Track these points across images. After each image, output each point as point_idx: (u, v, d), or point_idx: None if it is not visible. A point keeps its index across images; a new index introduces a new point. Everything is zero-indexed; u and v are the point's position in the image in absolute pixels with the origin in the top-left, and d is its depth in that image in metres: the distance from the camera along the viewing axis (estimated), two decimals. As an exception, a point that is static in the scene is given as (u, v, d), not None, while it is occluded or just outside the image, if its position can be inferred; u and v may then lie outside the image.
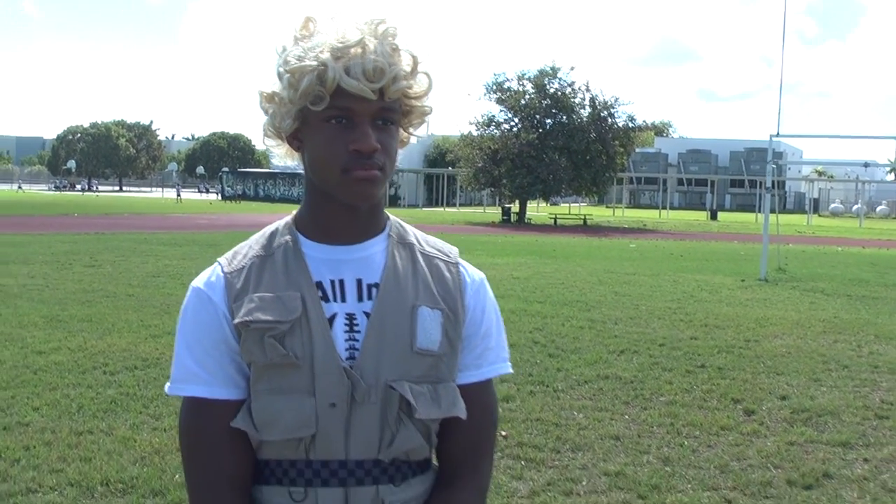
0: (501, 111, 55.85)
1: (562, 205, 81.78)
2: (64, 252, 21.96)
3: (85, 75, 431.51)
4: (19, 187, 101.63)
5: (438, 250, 1.78)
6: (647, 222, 58.26)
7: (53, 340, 10.23)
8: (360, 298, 1.65)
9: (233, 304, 1.63)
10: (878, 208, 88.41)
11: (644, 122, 60.84)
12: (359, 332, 1.63)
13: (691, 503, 5.59)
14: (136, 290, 15.21)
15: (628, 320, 13.35)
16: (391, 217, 1.77)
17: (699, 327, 12.90)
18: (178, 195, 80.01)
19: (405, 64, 1.59)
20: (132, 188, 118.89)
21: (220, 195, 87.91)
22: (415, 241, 1.76)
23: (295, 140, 1.66)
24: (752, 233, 43.77)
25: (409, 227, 1.80)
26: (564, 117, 54.82)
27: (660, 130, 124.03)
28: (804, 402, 8.42)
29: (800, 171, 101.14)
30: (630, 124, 56.10)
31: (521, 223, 53.48)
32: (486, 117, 55.94)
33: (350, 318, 1.63)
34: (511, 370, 1.86)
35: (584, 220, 55.17)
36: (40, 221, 36.66)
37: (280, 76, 1.59)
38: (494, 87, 55.59)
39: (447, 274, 1.74)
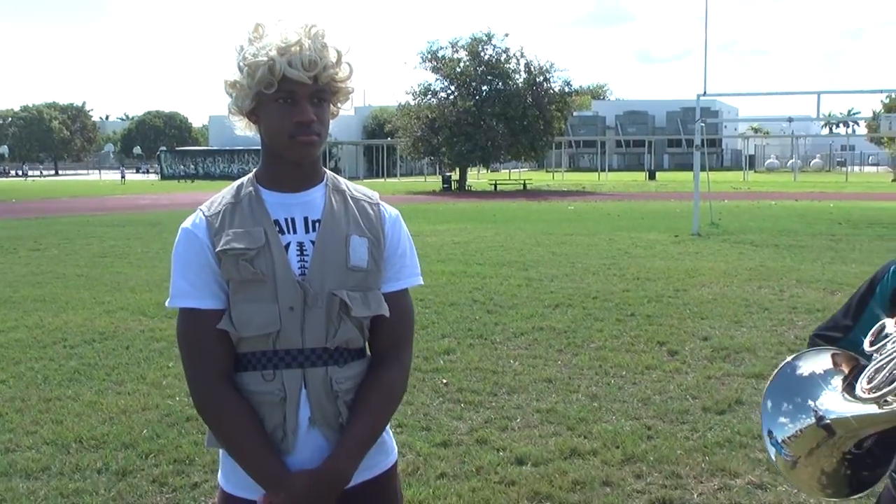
0: (437, 80, 56.25)
1: (502, 171, 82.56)
2: (7, 237, 22.05)
3: (11, 57, 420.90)
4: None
5: (363, 194, 2.33)
6: (587, 185, 59.19)
7: (10, 320, 10.57)
8: (307, 231, 2.19)
9: (213, 238, 2.16)
10: (812, 162, 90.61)
11: (580, 86, 61.65)
12: (307, 255, 2.17)
13: (615, 430, 6.20)
14: (84, 270, 15.50)
15: (564, 277, 14.01)
16: (328, 171, 2.30)
17: (631, 280, 13.59)
18: (123, 176, 79.12)
19: (332, 57, 2.13)
20: (68, 171, 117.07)
21: (161, 175, 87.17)
22: (346, 189, 2.31)
23: (252, 115, 2.19)
24: (689, 191, 44.65)
25: (341, 179, 2.33)
26: (500, 84, 55.40)
27: (596, 94, 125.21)
28: (724, 341, 9.11)
29: (736, 129, 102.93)
30: (566, 89, 56.96)
31: (462, 190, 54.08)
32: (422, 86, 56.32)
33: (300, 245, 2.17)
34: (422, 282, 2.40)
35: (524, 184, 55.91)
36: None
37: (240, 69, 2.12)
38: (429, 56, 55.93)
39: (370, 211, 2.28)
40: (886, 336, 2.07)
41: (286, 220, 2.20)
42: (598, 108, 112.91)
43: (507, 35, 70.69)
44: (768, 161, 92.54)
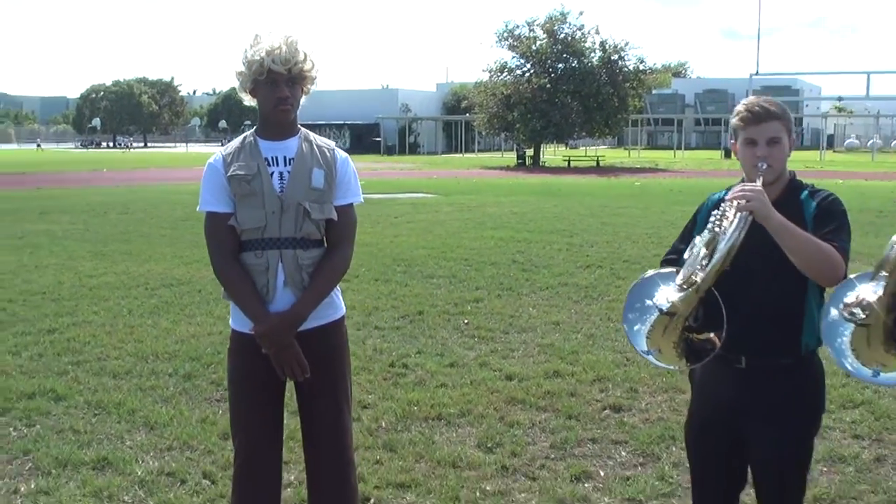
0: (514, 58, 57.17)
1: (580, 148, 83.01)
2: (98, 203, 23.86)
3: (105, 33, 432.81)
4: (38, 146, 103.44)
5: (324, 143, 3.54)
6: (661, 162, 59.39)
7: (101, 268, 12.11)
8: (285, 164, 3.42)
9: (226, 168, 3.39)
10: (894, 143, 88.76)
11: (654, 64, 61.77)
12: (285, 180, 3.40)
13: (596, 360, 7.33)
14: (167, 231, 17.09)
15: (604, 243, 15.06)
16: (302, 128, 3.52)
17: (666, 247, 14.53)
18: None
19: (301, 56, 3.35)
20: (156, 144, 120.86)
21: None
22: (312, 139, 3.53)
23: (252, 93, 3.42)
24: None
25: (310, 133, 3.54)
26: (575, 62, 56.04)
27: (677, 71, 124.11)
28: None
29: (818, 108, 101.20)
30: (640, 67, 57.30)
31: (536, 166, 54.96)
32: (498, 64, 57.32)
33: (281, 174, 3.40)
34: (361, 200, 3.59)
35: (598, 161, 56.49)
36: (73, 177, 38.56)
37: (243, 64, 3.35)
38: (506, 35, 56.81)
39: (328, 154, 3.50)
40: (693, 246, 3.20)
41: (272, 157, 3.44)
42: (677, 85, 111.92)
43: (581, 13, 71.04)
44: (848, 140, 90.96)
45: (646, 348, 3.08)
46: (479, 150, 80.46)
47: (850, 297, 2.76)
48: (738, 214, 2.95)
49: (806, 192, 3.16)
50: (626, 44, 56.21)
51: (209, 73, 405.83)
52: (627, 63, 56.33)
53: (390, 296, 10.20)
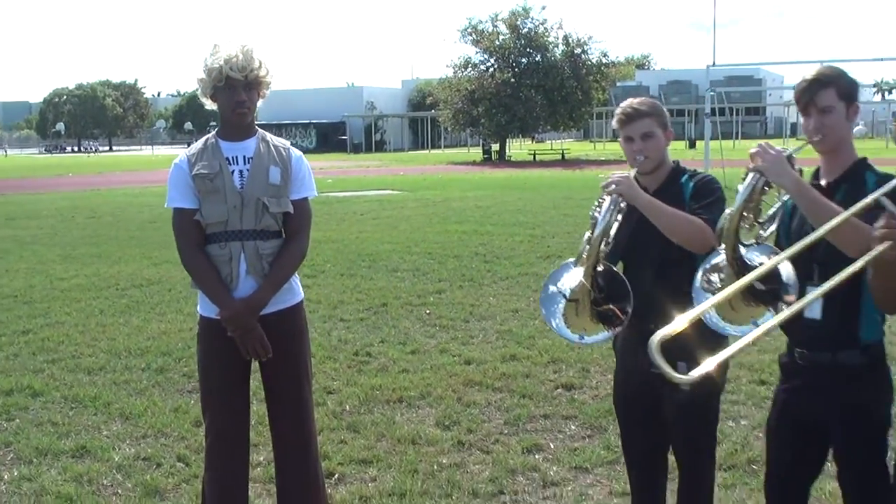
0: (477, 53, 57.60)
1: (546, 141, 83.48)
2: (66, 207, 23.96)
3: (66, 36, 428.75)
4: (5, 153, 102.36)
5: (280, 143, 3.86)
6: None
7: (71, 271, 12.34)
8: (245, 163, 3.73)
9: (191, 167, 3.70)
10: (856, 129, 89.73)
11: (617, 57, 62.49)
12: (245, 177, 3.71)
13: (552, 344, 7.65)
14: (135, 233, 17.28)
15: (564, 234, 15.45)
16: (259, 129, 3.83)
17: (625, 237, 14.96)
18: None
19: (256, 64, 3.66)
20: (121, 147, 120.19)
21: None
22: (270, 139, 3.84)
23: (212, 98, 3.73)
24: (727, 159, 45.62)
25: (267, 134, 3.86)
26: (538, 56, 56.59)
27: (641, 63, 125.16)
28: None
29: (781, 97, 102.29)
30: (603, 60, 57.91)
31: (502, 160, 55.39)
32: (462, 59, 57.69)
33: (241, 172, 3.72)
34: (315, 194, 3.91)
35: (563, 154, 56.98)
36: (39, 183, 38.46)
37: (204, 71, 3.66)
38: (469, 30, 57.21)
39: (283, 152, 3.82)
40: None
41: (233, 157, 3.75)
42: (641, 77, 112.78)
43: (544, 7, 71.61)
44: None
45: (575, 336, 3.45)
46: (446, 146, 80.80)
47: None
48: (609, 198, 3.35)
49: (686, 176, 3.52)
50: (590, 38, 56.90)
51: (173, 75, 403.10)
52: (591, 57, 56.99)
53: (355, 289, 10.51)
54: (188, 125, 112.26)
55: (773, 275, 2.87)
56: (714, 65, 23.78)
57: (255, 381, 3.99)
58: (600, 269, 3.39)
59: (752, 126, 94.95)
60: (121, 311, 9.51)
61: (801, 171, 3.05)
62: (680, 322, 2.46)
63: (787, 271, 2.92)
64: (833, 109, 3.04)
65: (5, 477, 5.08)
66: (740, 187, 2.98)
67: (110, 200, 26.22)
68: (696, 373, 2.40)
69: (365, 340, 8.03)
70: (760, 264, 2.89)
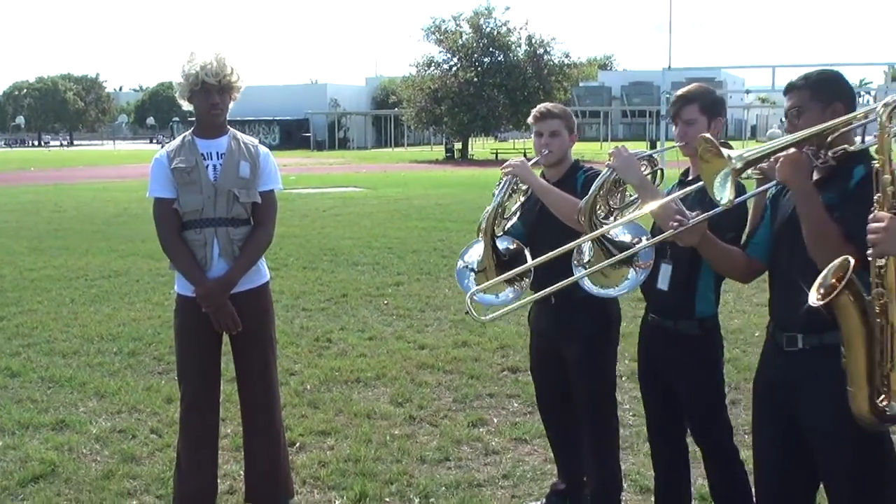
0: (441, 52, 58.07)
1: (509, 140, 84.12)
2: (29, 201, 24.11)
3: (26, 28, 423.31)
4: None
5: (249, 140, 4.34)
6: (587, 154, 60.52)
7: (40, 262, 12.67)
8: (218, 158, 4.21)
9: (170, 161, 4.17)
10: (769, 132, 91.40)
11: (579, 58, 63.32)
12: (218, 171, 4.19)
13: (503, 332, 8.18)
14: (102, 227, 17.57)
15: (520, 231, 15.95)
16: (231, 129, 4.30)
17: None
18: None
19: (228, 70, 4.13)
20: (83, 142, 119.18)
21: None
22: (240, 137, 4.32)
23: (190, 100, 4.20)
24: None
25: (238, 133, 4.33)
26: (501, 56, 57.19)
27: (603, 64, 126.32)
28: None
29: (742, 99, 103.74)
30: (566, 61, 58.69)
31: (464, 159, 55.94)
32: (426, 58, 58.15)
33: (214, 166, 4.20)
34: (281, 187, 4.39)
35: (525, 153, 57.52)
36: (0, 177, 38.38)
37: (182, 76, 4.12)
38: (433, 30, 57.68)
39: (252, 149, 4.30)
40: None
41: (207, 153, 4.23)
42: (604, 78, 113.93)
43: (507, 9, 72.33)
44: (770, 130, 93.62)
45: (490, 298, 4.03)
46: (409, 144, 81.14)
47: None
48: (504, 179, 4.04)
49: (580, 171, 4.11)
50: (552, 38, 57.66)
51: (135, 70, 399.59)
52: (553, 57, 57.68)
53: (317, 282, 10.98)
54: (150, 120, 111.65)
55: (631, 247, 3.61)
56: (670, 68, 24.40)
57: (224, 362, 4.47)
58: (505, 244, 4.08)
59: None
60: (91, 300, 9.90)
61: (661, 171, 3.82)
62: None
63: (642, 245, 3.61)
64: (695, 122, 3.69)
65: (-10, 447, 5.50)
66: (597, 181, 3.67)
67: (74, 195, 26.37)
68: (491, 316, 3.72)
69: (325, 328, 8.50)
70: (621, 237, 3.66)
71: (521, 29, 57.67)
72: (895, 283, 2.48)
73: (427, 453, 5.35)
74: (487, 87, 55.53)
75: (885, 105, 2.58)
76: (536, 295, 3.84)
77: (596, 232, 3.60)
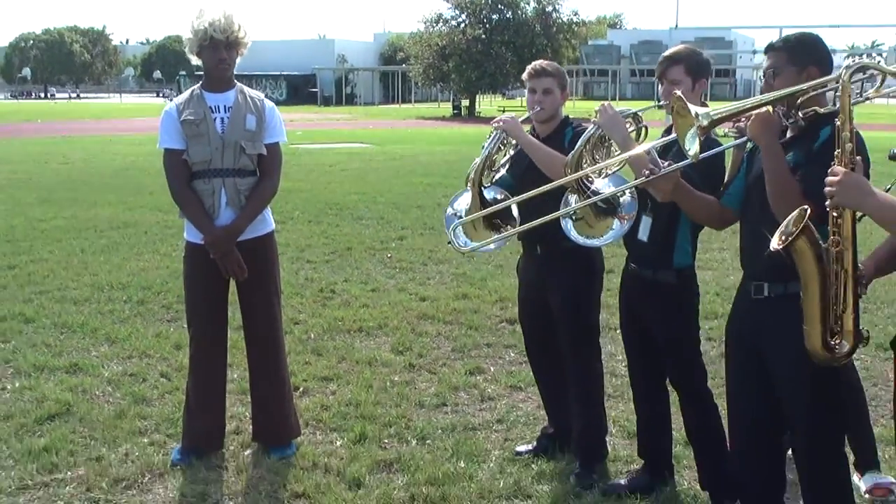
0: (449, 8, 57.77)
1: (517, 98, 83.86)
2: (38, 153, 24.31)
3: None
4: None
5: (256, 95, 4.51)
6: (595, 112, 60.60)
7: (50, 213, 12.88)
8: (225, 111, 4.39)
9: (179, 114, 4.35)
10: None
11: (587, 17, 63.00)
12: (225, 123, 4.37)
13: (501, 285, 8.39)
14: (109, 179, 17.78)
15: (524, 189, 16.11)
16: (237, 83, 4.47)
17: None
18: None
19: (235, 26, 4.30)
20: (89, 95, 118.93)
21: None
22: (247, 91, 4.50)
23: (198, 55, 4.36)
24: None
25: (245, 87, 4.50)
26: (509, 13, 56.91)
27: (613, 23, 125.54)
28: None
29: (752, 59, 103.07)
30: (574, 19, 58.39)
31: (471, 116, 55.87)
32: (434, 15, 57.92)
33: (222, 119, 4.38)
34: (285, 139, 4.57)
35: (531, 111, 57.39)
36: (7, 129, 38.52)
37: (191, 32, 4.29)
38: (442, -15, 57.40)
39: (258, 103, 4.47)
40: None
41: (215, 106, 4.42)
42: (613, 37, 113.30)
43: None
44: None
45: (476, 244, 4.27)
46: (417, 101, 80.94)
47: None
48: (495, 132, 4.24)
49: (570, 127, 4.27)
50: (562, -5, 57.23)
51: (142, 22, 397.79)
52: (561, 15, 57.37)
53: (322, 235, 11.18)
54: (157, 74, 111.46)
55: (615, 199, 3.86)
56: (677, 27, 24.30)
57: (231, 311, 4.68)
58: (492, 194, 4.31)
59: (721, 87, 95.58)
60: (101, 251, 10.12)
61: (646, 128, 3.95)
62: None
63: (626, 197, 3.87)
64: (680, 83, 3.84)
65: (8, 387, 5.74)
66: (583, 136, 3.82)
67: (81, 147, 26.55)
68: (471, 246, 4.21)
69: (329, 279, 8.72)
70: (603, 190, 3.86)
71: (531, -14, 57.33)
72: (850, 233, 2.69)
73: (425, 399, 5.58)
74: (495, 45, 55.33)
75: (847, 68, 2.76)
76: (517, 229, 4.13)
77: (578, 174, 3.76)
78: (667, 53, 3.99)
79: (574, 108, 68.26)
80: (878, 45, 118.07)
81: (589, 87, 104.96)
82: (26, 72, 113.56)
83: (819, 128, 3.09)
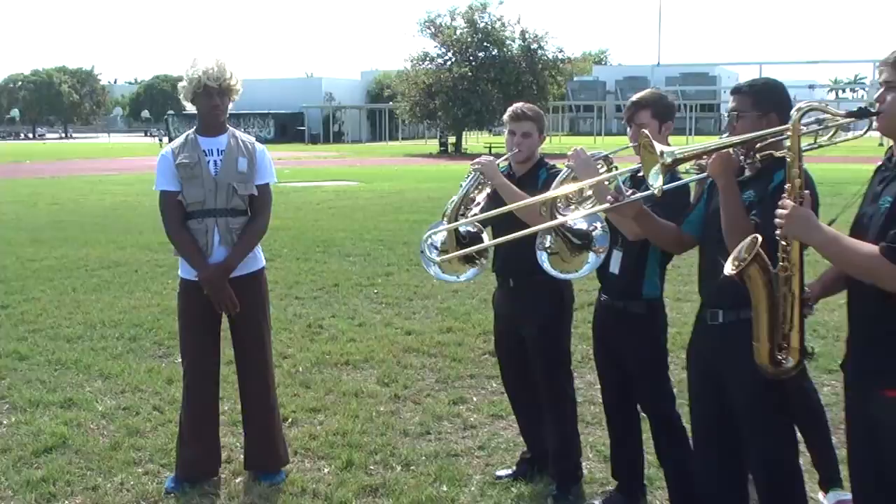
0: (435, 46, 58.50)
1: (502, 134, 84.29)
2: (27, 194, 24.48)
3: (21, 21, 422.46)
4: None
5: (247, 138, 4.76)
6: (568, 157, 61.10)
7: (41, 253, 13.07)
8: (218, 154, 4.63)
9: (175, 158, 4.59)
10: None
11: (573, 54, 63.78)
12: (218, 166, 4.60)
13: (486, 319, 8.55)
14: (99, 219, 17.98)
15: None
16: (230, 127, 4.72)
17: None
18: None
19: (227, 74, 4.55)
20: (78, 135, 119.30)
21: (168, 138, 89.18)
22: (238, 135, 4.74)
23: (193, 102, 4.61)
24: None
25: (236, 131, 4.74)
26: (495, 50, 57.64)
27: (598, 59, 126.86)
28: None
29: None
30: (559, 55, 59.12)
31: (458, 153, 56.34)
32: (420, 53, 58.60)
33: (215, 162, 4.62)
34: (276, 180, 4.81)
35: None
36: (-3, 169, 38.71)
37: (186, 80, 4.54)
38: (428, 24, 58.10)
39: (249, 146, 4.72)
40: None
41: (208, 149, 4.66)
42: (598, 73, 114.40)
43: (501, 2, 72.67)
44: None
45: (452, 278, 4.55)
46: (404, 138, 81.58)
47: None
48: (472, 173, 4.45)
49: (543, 169, 4.51)
50: (546, 33, 58.03)
51: (130, 62, 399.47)
52: (546, 52, 58.10)
53: (310, 272, 11.40)
54: (145, 113, 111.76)
55: (588, 234, 4.07)
56: (659, 64, 24.76)
57: (223, 347, 4.89)
58: (466, 228, 4.48)
59: (706, 122, 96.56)
60: (92, 289, 10.31)
61: (616, 168, 4.16)
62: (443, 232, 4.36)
63: (598, 232, 4.07)
64: (647, 125, 4.05)
65: (4, 422, 5.92)
66: (557, 179, 4.06)
67: (71, 188, 26.76)
68: (443, 258, 4.43)
69: (317, 315, 8.93)
70: (580, 226, 4.08)
71: (515, 24, 58.14)
72: (797, 259, 2.94)
73: (410, 427, 5.78)
74: (481, 82, 56.01)
75: (798, 110, 3.01)
76: (492, 242, 4.41)
77: (552, 222, 3.98)
78: (634, 98, 4.22)
79: (560, 143, 69.18)
80: (861, 79, 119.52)
81: (575, 122, 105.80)
82: (15, 112, 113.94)
83: (773, 171, 3.33)
